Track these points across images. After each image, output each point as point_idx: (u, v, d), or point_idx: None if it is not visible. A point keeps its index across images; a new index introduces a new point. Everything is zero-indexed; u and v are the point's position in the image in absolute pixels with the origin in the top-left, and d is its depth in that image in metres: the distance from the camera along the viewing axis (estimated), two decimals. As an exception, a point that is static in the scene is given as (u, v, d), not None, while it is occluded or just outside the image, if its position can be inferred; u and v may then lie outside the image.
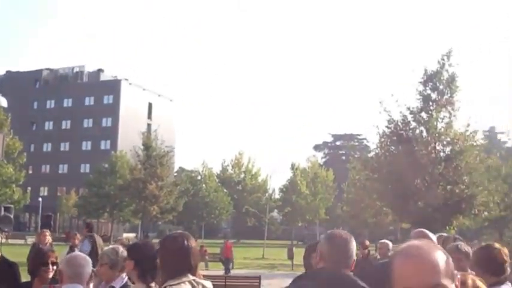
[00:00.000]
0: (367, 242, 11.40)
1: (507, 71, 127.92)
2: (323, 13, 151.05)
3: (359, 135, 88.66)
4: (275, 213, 73.98)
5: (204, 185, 70.83)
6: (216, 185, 71.25)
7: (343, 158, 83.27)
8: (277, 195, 71.62)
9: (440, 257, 1.78)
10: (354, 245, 3.15)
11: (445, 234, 8.59)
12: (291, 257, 29.15)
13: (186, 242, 3.46)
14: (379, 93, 23.95)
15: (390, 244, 11.16)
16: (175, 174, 71.03)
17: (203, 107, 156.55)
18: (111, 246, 4.78)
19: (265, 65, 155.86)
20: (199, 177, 73.97)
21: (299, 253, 6.85)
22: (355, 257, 3.14)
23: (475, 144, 25.34)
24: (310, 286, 2.98)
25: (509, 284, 4.16)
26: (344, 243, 3.12)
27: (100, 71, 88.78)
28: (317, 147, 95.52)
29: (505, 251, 4.29)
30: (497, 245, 4.36)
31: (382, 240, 11.19)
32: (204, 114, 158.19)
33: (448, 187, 24.92)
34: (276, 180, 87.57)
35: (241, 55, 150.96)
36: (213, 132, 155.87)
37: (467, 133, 24.91)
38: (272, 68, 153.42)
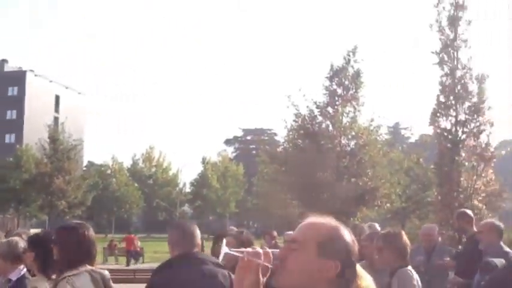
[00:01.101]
0: (275, 233, 11.65)
1: (413, 71, 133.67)
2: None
3: (269, 129, 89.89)
4: (186, 207, 73.91)
5: (114, 179, 69.78)
6: (127, 179, 70.31)
7: (254, 152, 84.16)
8: (188, 189, 71.57)
9: (321, 230, 1.87)
10: (198, 231, 3.56)
11: (357, 223, 9.03)
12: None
13: (84, 232, 3.42)
14: (288, 88, 24.76)
15: None
16: (84, 168, 69.48)
17: (114, 100, 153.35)
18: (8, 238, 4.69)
19: (176, 59, 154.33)
20: (109, 171, 72.70)
21: (209, 246, 7.00)
22: (200, 241, 3.55)
23: (378, 138, 26.37)
24: (167, 275, 3.26)
25: (410, 267, 4.59)
26: (191, 228, 3.52)
27: (4, 61, 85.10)
28: (228, 142, 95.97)
29: (406, 237, 4.71)
30: (401, 231, 4.78)
31: (289, 232, 11.52)
32: (114, 107, 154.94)
33: (353, 180, 25.76)
34: (186, 174, 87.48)
35: (147, 48, 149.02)
36: (124, 126, 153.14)
37: (371, 128, 25.86)
38: (181, 61, 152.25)
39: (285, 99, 25.98)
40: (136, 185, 70.44)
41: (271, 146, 37.88)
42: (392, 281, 4.50)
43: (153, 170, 76.11)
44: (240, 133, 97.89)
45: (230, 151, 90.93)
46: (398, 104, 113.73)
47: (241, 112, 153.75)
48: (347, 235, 1.89)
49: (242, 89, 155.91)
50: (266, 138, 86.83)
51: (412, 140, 55.98)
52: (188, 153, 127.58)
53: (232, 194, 67.27)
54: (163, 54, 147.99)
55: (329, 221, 1.92)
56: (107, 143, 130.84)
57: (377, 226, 6.77)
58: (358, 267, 2.55)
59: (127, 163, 76.36)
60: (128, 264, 27.10)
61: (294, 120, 26.52)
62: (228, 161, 72.36)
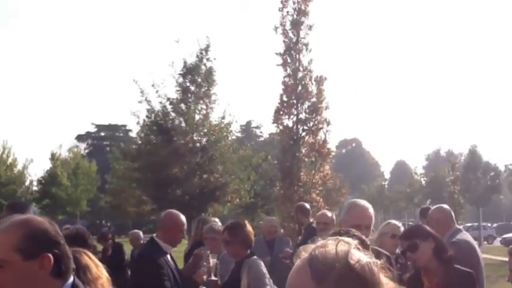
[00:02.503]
0: (110, 235, 11.84)
1: (263, 70, 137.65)
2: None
3: (124, 126, 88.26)
4: (33, 206, 70.31)
5: None
6: (-37, 177, 65.37)
7: (108, 148, 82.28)
8: (35, 187, 68.16)
9: (10, 234, 1.80)
10: None
11: (203, 216, 9.36)
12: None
13: None
14: (141, 84, 24.56)
15: (141, 233, 11.75)
16: None
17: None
18: None
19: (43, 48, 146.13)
20: None
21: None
22: None
23: (229, 135, 27.09)
24: None
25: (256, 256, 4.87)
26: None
27: None
28: (80, 138, 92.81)
29: (250, 228, 5.08)
30: (244, 222, 5.14)
31: (133, 231, 11.79)
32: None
33: (204, 176, 26.24)
34: (34, 171, 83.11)
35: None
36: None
37: (222, 125, 26.48)
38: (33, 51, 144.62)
39: (138, 94, 25.88)
40: (-26, 183, 65.79)
41: (126, 143, 37.45)
42: (242, 271, 4.70)
43: (-4, 167, 71.48)
44: (93, 129, 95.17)
45: (82, 147, 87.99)
46: (251, 103, 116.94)
47: (94, 107, 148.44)
48: (40, 223, 1.84)
49: (94, 82, 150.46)
50: (121, 134, 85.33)
51: (263, 138, 58.05)
52: (36, 149, 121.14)
53: (84, 192, 65.16)
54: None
55: (12, 221, 1.84)
56: None
57: (217, 221, 7.19)
58: (89, 257, 2.55)
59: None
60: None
61: (147, 116, 26.48)
62: (80, 158, 69.97)
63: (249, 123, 73.79)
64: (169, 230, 5.04)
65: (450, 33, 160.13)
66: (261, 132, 58.94)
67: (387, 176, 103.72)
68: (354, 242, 1.29)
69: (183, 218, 5.21)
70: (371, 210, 3.85)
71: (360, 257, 1.24)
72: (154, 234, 5.16)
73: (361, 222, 3.70)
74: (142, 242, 11.18)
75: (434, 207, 5.86)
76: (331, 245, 1.26)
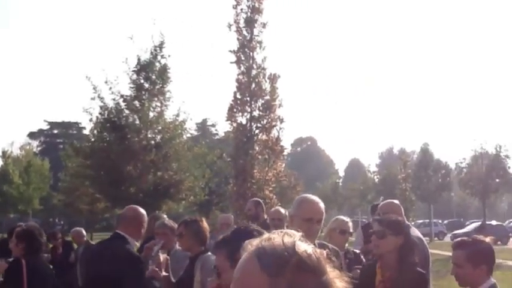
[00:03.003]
0: (60, 234, 11.72)
1: (218, 68, 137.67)
2: None
3: (78, 123, 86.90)
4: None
5: None
6: None
7: (61, 146, 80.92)
8: (-15, 186, 66.50)
9: None
10: None
11: (156, 213, 9.38)
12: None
13: None
14: (94, 80, 24.11)
15: (83, 231, 11.72)
16: None
17: None
18: None
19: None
20: None
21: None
22: None
23: (183, 133, 26.92)
24: None
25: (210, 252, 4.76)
26: None
27: None
28: (32, 135, 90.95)
29: (206, 224, 5.10)
30: (201, 218, 5.15)
31: (75, 229, 11.68)
32: None
33: (159, 173, 26.04)
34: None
35: None
36: None
37: (177, 123, 26.30)
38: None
39: (91, 91, 25.44)
40: None
41: (79, 140, 36.81)
42: (196, 266, 4.68)
43: None
44: (45, 126, 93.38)
45: (35, 145, 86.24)
46: (207, 101, 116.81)
47: (46, 104, 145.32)
48: None
49: (46, 79, 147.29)
50: (74, 132, 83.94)
51: (219, 136, 58.09)
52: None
53: (36, 190, 63.89)
54: None
55: None
56: None
57: (166, 217, 7.22)
58: None
59: None
60: None
61: (100, 113, 26.05)
62: (32, 155, 68.59)
63: (204, 121, 73.69)
64: (133, 224, 4.98)
65: (400, 31, 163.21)
66: (216, 130, 58.84)
67: (341, 173, 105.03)
68: (298, 234, 1.31)
69: (144, 212, 5.20)
70: (321, 204, 3.84)
71: (305, 247, 1.27)
72: (117, 230, 5.07)
73: (313, 216, 3.71)
74: (85, 239, 11.22)
75: (385, 201, 5.95)
76: (277, 238, 1.29)
